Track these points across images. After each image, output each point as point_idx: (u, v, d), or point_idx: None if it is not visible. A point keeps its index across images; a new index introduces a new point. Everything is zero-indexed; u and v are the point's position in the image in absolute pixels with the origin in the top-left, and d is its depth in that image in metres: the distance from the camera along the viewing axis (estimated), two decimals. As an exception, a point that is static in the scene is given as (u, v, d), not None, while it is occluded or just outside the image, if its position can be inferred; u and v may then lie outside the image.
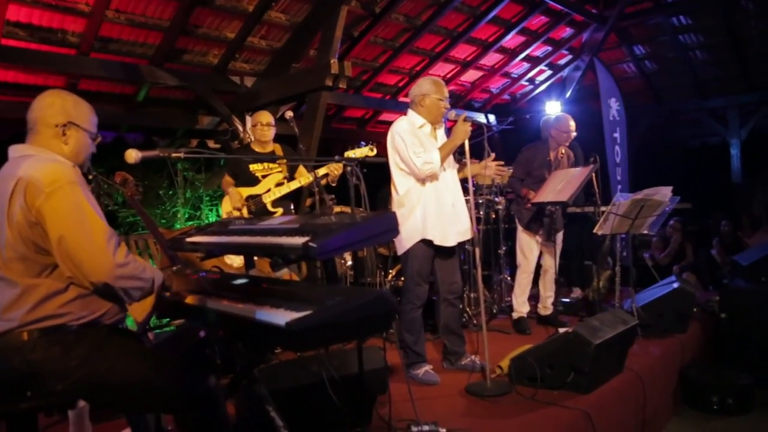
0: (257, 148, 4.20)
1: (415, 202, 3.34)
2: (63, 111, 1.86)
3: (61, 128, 1.85)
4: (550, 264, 4.70)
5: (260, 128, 4.14)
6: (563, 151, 4.65)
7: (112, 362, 1.73)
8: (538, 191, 4.40)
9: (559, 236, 4.66)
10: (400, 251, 3.44)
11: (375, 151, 3.89)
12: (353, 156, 3.85)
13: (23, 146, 1.85)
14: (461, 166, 3.53)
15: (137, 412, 2.10)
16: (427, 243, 3.35)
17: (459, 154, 3.50)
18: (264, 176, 4.13)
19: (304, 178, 4.12)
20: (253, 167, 4.11)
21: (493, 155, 3.50)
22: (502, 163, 3.59)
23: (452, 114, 3.35)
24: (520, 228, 4.68)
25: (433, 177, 3.33)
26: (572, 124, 4.56)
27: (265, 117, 4.17)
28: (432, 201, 3.34)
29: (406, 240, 3.35)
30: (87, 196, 1.74)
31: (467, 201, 3.47)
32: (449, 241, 3.37)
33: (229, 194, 4.14)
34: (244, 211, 4.04)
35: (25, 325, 1.69)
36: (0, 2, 4.15)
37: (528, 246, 4.64)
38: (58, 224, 1.67)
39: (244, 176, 4.12)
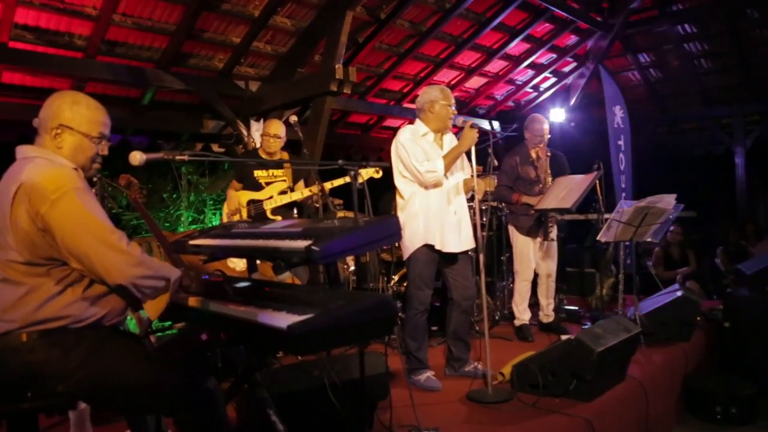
0: (264, 155, 4.21)
1: (418, 207, 3.36)
2: (58, 113, 1.82)
3: (54, 131, 1.81)
4: (549, 271, 4.68)
5: (266, 139, 4.14)
6: (548, 152, 4.67)
7: (112, 363, 1.73)
8: (540, 198, 4.40)
9: (554, 244, 4.64)
10: (405, 255, 3.45)
11: (380, 173, 3.91)
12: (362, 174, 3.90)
13: (28, 147, 1.84)
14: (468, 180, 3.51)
15: (137, 414, 2.10)
16: (429, 248, 3.36)
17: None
18: (268, 183, 4.14)
19: (297, 194, 4.13)
20: (257, 173, 4.13)
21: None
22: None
23: (459, 120, 3.37)
24: (517, 235, 4.67)
25: (438, 184, 3.35)
26: (546, 127, 4.58)
27: (273, 128, 4.14)
28: (435, 207, 3.35)
29: (408, 244, 3.38)
30: (91, 200, 1.73)
31: (471, 208, 3.48)
32: (449, 246, 3.37)
33: (228, 197, 4.16)
34: (244, 213, 4.06)
35: (25, 327, 1.69)
36: (8, 5, 4.18)
37: (526, 253, 4.62)
38: (65, 233, 1.66)
39: (249, 181, 4.14)
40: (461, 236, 3.43)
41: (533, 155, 4.63)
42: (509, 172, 4.64)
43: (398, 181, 3.43)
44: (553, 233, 4.58)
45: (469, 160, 3.34)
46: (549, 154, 4.68)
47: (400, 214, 3.43)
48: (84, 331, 1.74)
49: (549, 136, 4.62)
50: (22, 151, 1.83)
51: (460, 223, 3.43)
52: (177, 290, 1.86)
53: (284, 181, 4.18)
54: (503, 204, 5.32)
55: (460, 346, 3.57)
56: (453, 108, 3.41)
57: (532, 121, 4.65)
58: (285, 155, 4.26)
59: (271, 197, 4.10)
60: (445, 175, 3.35)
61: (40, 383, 1.69)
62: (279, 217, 4.10)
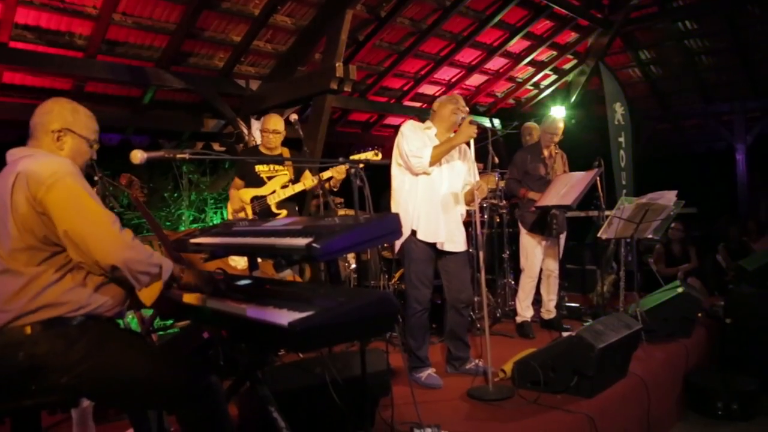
0: (264, 151, 4.21)
1: (406, 196, 3.39)
2: (60, 117, 1.90)
3: (56, 134, 1.89)
4: (553, 268, 4.69)
5: (266, 135, 4.15)
6: (555, 150, 4.70)
7: (114, 356, 1.76)
8: (542, 195, 4.40)
9: (562, 240, 4.65)
10: (396, 250, 3.45)
11: (380, 156, 3.89)
12: (358, 159, 3.85)
13: (21, 148, 1.89)
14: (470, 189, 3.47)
15: (139, 408, 2.11)
16: (421, 242, 3.34)
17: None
18: (269, 178, 4.15)
19: (308, 181, 4.12)
20: (258, 168, 4.13)
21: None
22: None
23: (458, 118, 3.39)
24: (523, 231, 4.68)
25: (426, 174, 3.37)
26: (560, 125, 4.63)
27: (272, 123, 4.13)
28: (422, 196, 3.37)
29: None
30: (86, 185, 1.79)
31: (471, 211, 3.47)
32: (432, 236, 3.35)
33: (231, 197, 4.17)
34: (249, 211, 4.07)
35: (24, 315, 1.71)
36: (9, 5, 4.19)
37: (531, 250, 4.64)
38: (62, 215, 1.71)
39: (251, 177, 4.14)
40: (450, 236, 3.39)
41: (545, 153, 4.68)
42: (519, 166, 4.71)
43: (393, 169, 3.48)
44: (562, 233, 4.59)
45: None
46: (557, 151, 4.71)
47: (392, 206, 3.46)
48: (87, 324, 1.77)
49: (562, 136, 4.65)
50: (14, 153, 1.87)
51: (448, 221, 3.40)
52: (170, 280, 1.87)
53: (285, 174, 4.19)
54: (503, 202, 5.33)
55: (459, 345, 3.57)
56: (460, 110, 3.43)
57: (547, 119, 4.72)
58: (285, 151, 4.25)
59: (273, 192, 4.11)
60: (432, 164, 3.32)
61: (43, 375, 1.70)
62: (284, 211, 4.11)
